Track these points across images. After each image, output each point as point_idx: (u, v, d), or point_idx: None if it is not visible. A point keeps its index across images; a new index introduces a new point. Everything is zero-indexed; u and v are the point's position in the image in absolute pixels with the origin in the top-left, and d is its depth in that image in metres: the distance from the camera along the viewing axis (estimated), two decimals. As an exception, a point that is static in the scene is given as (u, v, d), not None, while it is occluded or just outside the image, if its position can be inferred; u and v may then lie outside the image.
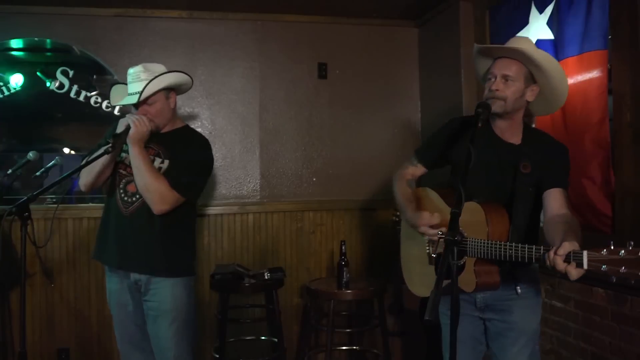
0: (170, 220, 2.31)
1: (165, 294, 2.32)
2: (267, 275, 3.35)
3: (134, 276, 2.34)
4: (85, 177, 2.36)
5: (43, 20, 3.51)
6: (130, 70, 2.32)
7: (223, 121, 3.80)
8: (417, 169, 2.20)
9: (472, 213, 1.82)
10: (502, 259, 1.69)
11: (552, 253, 1.50)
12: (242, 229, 3.79)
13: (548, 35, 2.76)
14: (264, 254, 3.80)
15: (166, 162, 2.35)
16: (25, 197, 2.01)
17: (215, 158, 3.66)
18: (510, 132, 1.96)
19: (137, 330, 2.41)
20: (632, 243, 1.34)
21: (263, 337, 3.72)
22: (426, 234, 1.94)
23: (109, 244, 2.38)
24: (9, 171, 3.41)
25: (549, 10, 2.76)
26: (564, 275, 1.49)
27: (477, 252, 1.77)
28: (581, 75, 2.52)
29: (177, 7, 3.67)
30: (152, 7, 3.63)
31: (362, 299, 3.48)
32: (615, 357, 2.38)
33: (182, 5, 3.64)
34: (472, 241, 1.79)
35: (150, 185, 2.22)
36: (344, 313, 3.77)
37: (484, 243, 1.75)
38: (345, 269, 3.24)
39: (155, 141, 2.37)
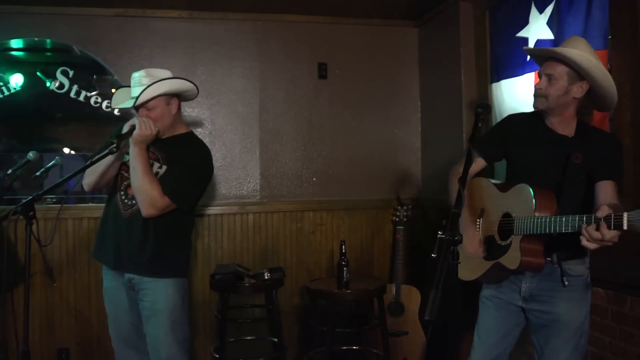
0: (166, 225, 2.32)
1: (158, 294, 2.32)
2: (267, 275, 3.35)
3: (128, 275, 2.35)
4: (89, 177, 2.38)
5: (43, 20, 3.51)
6: (134, 74, 2.33)
7: (223, 121, 3.80)
8: (476, 164, 2.17)
9: (521, 194, 1.88)
10: (547, 231, 1.74)
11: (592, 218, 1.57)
12: (242, 229, 3.79)
13: (548, 35, 2.76)
14: (264, 254, 3.80)
15: (164, 167, 2.35)
16: (31, 197, 2.02)
17: (215, 158, 3.67)
18: (563, 126, 2.00)
19: (132, 330, 2.41)
20: None
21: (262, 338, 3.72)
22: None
23: (106, 244, 2.39)
24: (9, 171, 3.41)
25: (549, 10, 2.76)
26: (598, 240, 1.57)
27: (524, 228, 1.82)
28: (581, 75, 2.51)
29: (177, 7, 3.67)
30: (152, 7, 3.63)
31: (362, 299, 3.48)
32: (615, 357, 2.38)
33: (182, 5, 3.64)
34: (519, 219, 1.85)
35: (142, 187, 2.23)
36: (344, 313, 3.77)
37: (530, 219, 1.80)
38: (345, 269, 3.24)
39: (156, 146, 2.37)
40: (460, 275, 2.13)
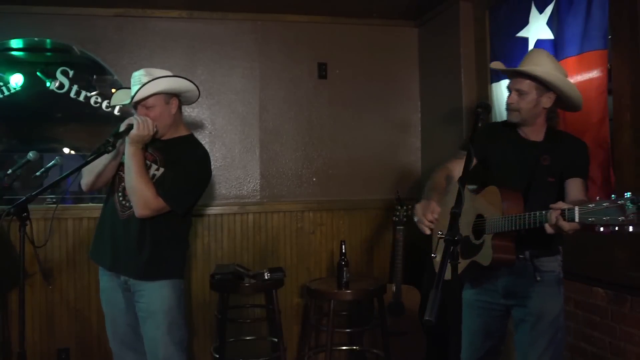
0: (162, 227, 2.30)
1: (154, 295, 2.30)
2: (267, 275, 3.35)
3: (124, 276, 2.34)
4: (87, 177, 2.36)
5: (43, 20, 3.51)
6: (134, 73, 2.30)
7: (223, 121, 3.80)
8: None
9: (490, 196, 2.03)
10: (513, 227, 1.86)
11: (550, 211, 1.72)
12: (242, 229, 3.79)
13: (548, 35, 2.76)
14: (264, 254, 3.80)
15: (161, 169, 2.33)
16: (24, 198, 2.01)
17: (215, 158, 3.72)
18: (535, 134, 2.15)
19: (129, 331, 2.40)
20: (615, 195, 1.52)
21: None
22: (419, 224, 1.98)
23: (103, 245, 2.38)
24: (9, 171, 3.41)
25: (549, 10, 2.76)
26: (560, 230, 1.70)
27: (494, 227, 1.95)
28: (581, 75, 2.52)
29: (177, 7, 3.67)
30: (152, 7, 3.63)
31: (362, 299, 3.48)
32: (615, 357, 2.38)
33: (182, 5, 3.64)
34: (490, 219, 1.98)
35: (136, 187, 2.21)
36: (344, 313, 3.77)
37: (499, 218, 1.93)
38: (345, 269, 3.24)
39: (155, 147, 2.35)
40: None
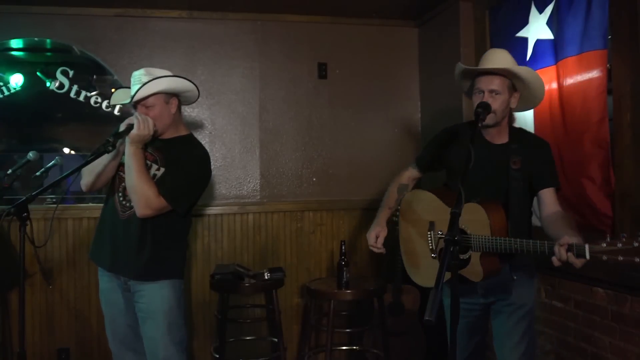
0: (163, 227, 2.30)
1: (154, 295, 2.30)
2: (267, 275, 3.35)
3: (124, 277, 2.34)
4: (87, 177, 2.35)
5: (43, 20, 3.51)
6: (135, 73, 2.30)
7: (223, 121, 3.80)
8: (412, 172, 2.44)
9: (472, 212, 1.97)
10: (508, 252, 1.88)
11: (557, 246, 1.70)
12: (242, 229, 3.79)
13: (548, 35, 2.76)
14: (264, 254, 3.80)
15: (162, 169, 2.32)
16: (24, 198, 2.01)
17: (215, 158, 3.72)
18: (499, 136, 2.14)
19: (129, 331, 2.39)
20: (625, 235, 1.53)
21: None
22: (372, 249, 2.29)
23: (103, 246, 2.38)
24: (9, 171, 3.41)
25: (548, 10, 2.76)
26: (569, 265, 1.69)
27: (483, 247, 1.94)
28: (581, 75, 2.52)
29: (177, 7, 3.67)
30: (152, 7, 3.63)
31: (362, 299, 3.48)
32: (615, 357, 2.38)
33: (182, 5, 3.64)
34: (476, 238, 1.96)
35: (137, 187, 2.20)
36: (344, 313, 3.77)
37: (490, 239, 1.92)
38: (345, 269, 3.24)
39: (155, 147, 2.35)
40: (421, 283, 2.28)
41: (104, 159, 2.26)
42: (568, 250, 1.67)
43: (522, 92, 2.10)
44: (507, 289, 2.11)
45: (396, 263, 3.55)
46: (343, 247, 3.31)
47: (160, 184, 2.25)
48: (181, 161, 2.32)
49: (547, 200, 2.04)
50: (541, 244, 1.77)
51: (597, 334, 2.48)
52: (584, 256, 1.63)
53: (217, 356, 3.33)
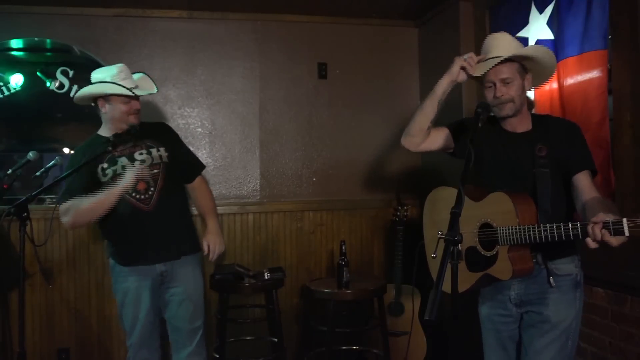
0: (183, 202, 2.64)
1: (189, 276, 2.57)
2: (267, 275, 3.35)
3: (160, 267, 2.46)
4: (82, 218, 2.38)
5: (43, 20, 3.51)
6: (113, 68, 2.49)
7: (223, 121, 3.80)
8: (440, 132, 2.36)
9: (499, 203, 1.87)
10: (538, 241, 1.74)
11: (590, 225, 1.55)
12: (242, 229, 3.79)
13: (548, 35, 2.76)
14: (264, 254, 3.80)
15: (162, 149, 2.52)
16: (24, 198, 2.01)
17: (215, 158, 3.74)
18: (521, 124, 2.04)
19: (149, 328, 2.52)
20: None
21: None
22: (458, 65, 2.05)
23: (137, 245, 2.45)
24: (9, 171, 3.40)
25: (549, 10, 2.76)
26: (606, 247, 1.54)
27: (511, 239, 1.82)
28: (581, 75, 2.52)
29: (177, 7, 3.67)
30: (152, 7, 3.63)
31: (362, 299, 3.47)
32: (615, 357, 2.38)
33: (182, 5, 3.64)
34: (503, 229, 1.84)
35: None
36: (344, 313, 3.77)
37: (517, 229, 1.79)
38: (345, 269, 3.24)
39: (136, 137, 2.46)
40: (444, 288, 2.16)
41: (108, 201, 2.33)
42: (603, 227, 1.52)
43: (532, 69, 2.00)
44: (543, 301, 1.94)
45: (396, 263, 3.55)
46: (343, 247, 3.31)
47: (196, 163, 2.74)
48: (170, 139, 2.65)
49: (582, 186, 1.86)
50: (573, 225, 1.63)
51: (597, 334, 2.48)
52: (623, 233, 1.48)
53: (217, 356, 3.33)
